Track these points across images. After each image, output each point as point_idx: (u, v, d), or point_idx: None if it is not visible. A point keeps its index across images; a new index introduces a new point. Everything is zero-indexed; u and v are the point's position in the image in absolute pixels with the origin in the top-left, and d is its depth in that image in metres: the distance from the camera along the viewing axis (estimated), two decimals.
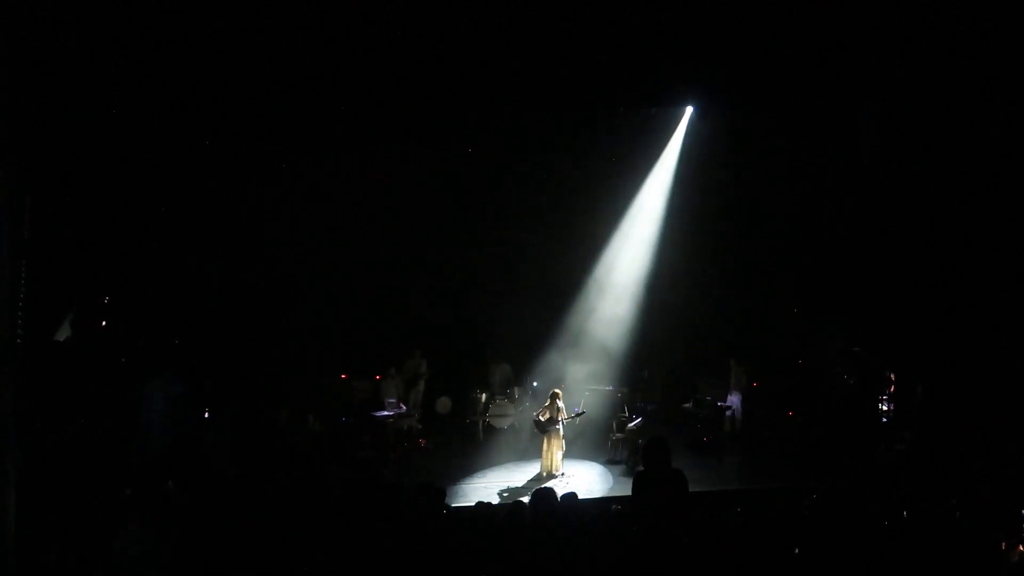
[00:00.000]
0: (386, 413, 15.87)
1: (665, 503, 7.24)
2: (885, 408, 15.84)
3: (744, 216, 18.10)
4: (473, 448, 16.22)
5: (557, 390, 14.49)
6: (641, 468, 7.86)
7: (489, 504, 8.12)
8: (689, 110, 17.52)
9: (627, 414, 15.69)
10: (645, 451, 7.80)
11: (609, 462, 14.95)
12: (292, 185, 16.80)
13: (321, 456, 13.20)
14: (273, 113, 14.71)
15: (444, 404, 18.64)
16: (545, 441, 14.01)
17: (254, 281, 16.91)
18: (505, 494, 12.88)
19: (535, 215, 19.19)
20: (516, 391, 18.00)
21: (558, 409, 14.09)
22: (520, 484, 13.54)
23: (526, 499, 8.12)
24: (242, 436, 10.65)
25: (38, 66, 9.67)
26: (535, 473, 14.08)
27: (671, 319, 19.15)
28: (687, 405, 16.99)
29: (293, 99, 14.22)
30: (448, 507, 8.46)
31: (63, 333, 11.45)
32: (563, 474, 13.88)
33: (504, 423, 17.35)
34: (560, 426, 14.01)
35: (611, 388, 17.76)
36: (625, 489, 12.67)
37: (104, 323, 12.25)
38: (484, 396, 17.61)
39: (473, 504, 8.32)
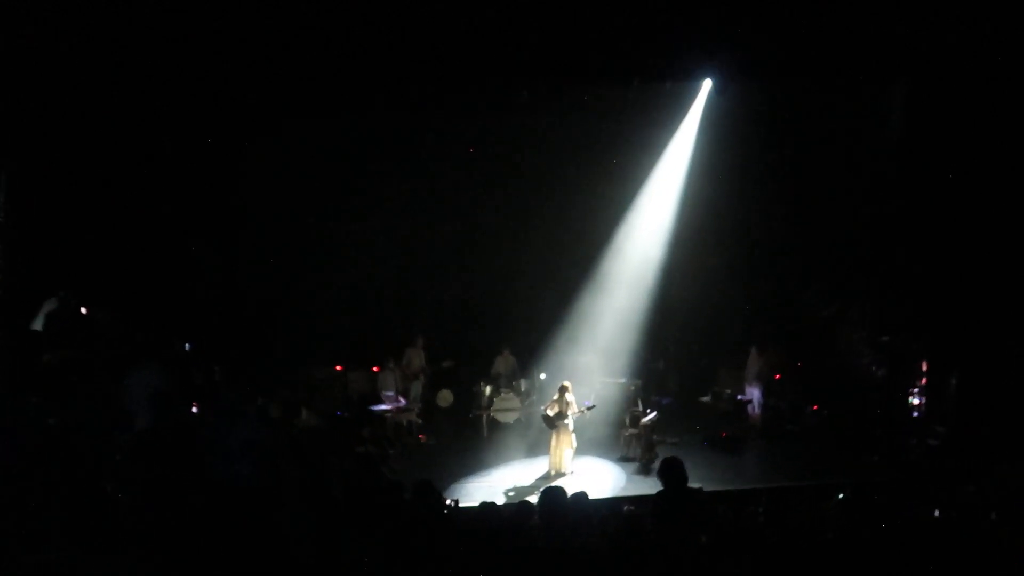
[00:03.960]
0: (384, 407, 15.89)
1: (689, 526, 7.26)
2: (917, 401, 15.79)
3: (766, 197, 18.02)
4: (477, 444, 16.26)
5: (566, 383, 14.45)
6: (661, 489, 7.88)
7: (494, 504, 8.10)
8: (707, 83, 17.26)
9: (641, 408, 15.66)
10: (663, 472, 7.84)
11: (621, 459, 14.95)
12: (282, 163, 16.72)
13: (316, 452, 13.20)
14: (263, 85, 14.67)
15: (446, 397, 18.65)
16: (553, 437, 13.99)
17: (243, 267, 16.93)
18: (511, 493, 12.89)
19: (543, 197, 19.14)
20: (522, 383, 18.00)
21: (567, 403, 14.06)
22: (527, 483, 13.55)
23: (533, 499, 8.12)
24: (233, 430, 10.62)
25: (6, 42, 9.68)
26: (543, 471, 14.07)
27: (688, 307, 19.15)
28: (705, 398, 17.05)
29: (283, 67, 14.16)
30: (450, 507, 8.47)
31: (40, 322, 11.45)
32: (572, 472, 13.87)
33: (510, 418, 17.36)
34: (569, 421, 13.99)
35: (624, 380, 17.75)
36: (639, 488, 12.75)
37: (84, 311, 12.23)
38: (488, 389, 17.62)
39: (477, 504, 8.31)
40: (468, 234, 19.48)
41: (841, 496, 8.35)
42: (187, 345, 13.79)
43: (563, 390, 14.20)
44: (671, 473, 7.74)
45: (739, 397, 16.75)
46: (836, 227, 17.45)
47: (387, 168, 17.71)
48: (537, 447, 15.22)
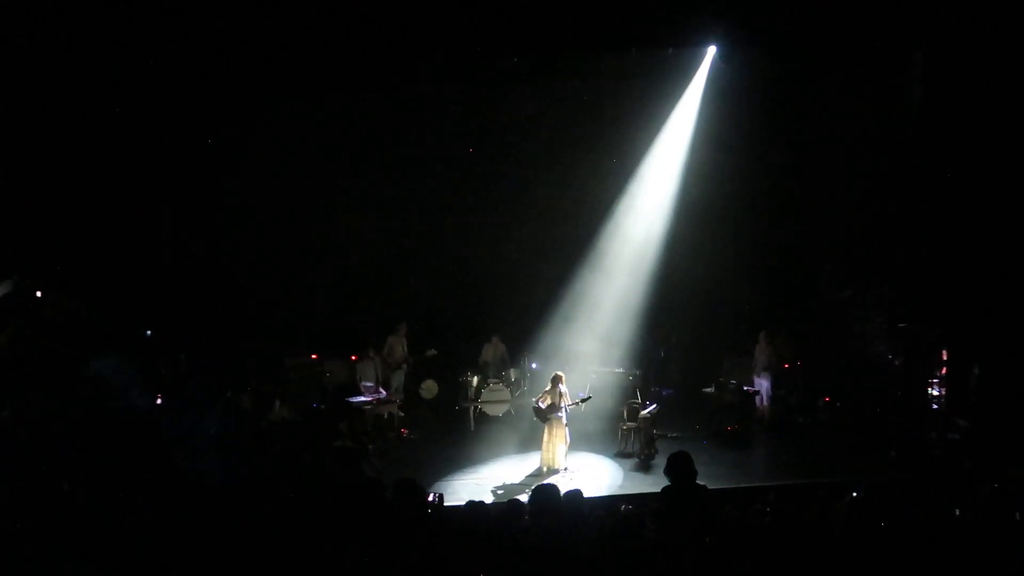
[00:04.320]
0: (364, 399, 15.90)
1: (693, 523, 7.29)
2: (936, 392, 15.84)
3: (775, 173, 18.04)
4: (463, 439, 16.29)
5: (560, 372, 14.44)
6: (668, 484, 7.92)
7: (481, 503, 8.12)
8: (711, 51, 17.20)
9: (640, 400, 15.68)
10: (671, 468, 7.87)
11: (619, 455, 14.98)
12: (255, 142, 16.70)
13: (289, 448, 13.21)
14: (234, 62, 14.64)
15: (430, 388, 18.66)
16: (546, 431, 14.01)
17: (212, 248, 16.88)
18: (500, 492, 12.91)
19: (534, 173, 19.13)
20: (512, 373, 18.04)
21: (560, 394, 14.07)
22: (517, 480, 13.57)
23: (524, 497, 8.14)
24: (200, 424, 10.63)
25: None
26: (534, 468, 14.10)
27: (691, 290, 19.17)
28: (709, 389, 17.01)
29: (258, 44, 14.15)
30: (434, 506, 8.48)
31: None
32: (566, 469, 13.89)
33: (498, 410, 17.40)
34: (563, 414, 14.00)
35: (621, 370, 17.81)
36: (637, 486, 12.79)
37: (40, 296, 12.19)
38: (476, 379, 17.64)
39: (463, 503, 8.33)
40: (455, 214, 19.45)
41: (854, 495, 8.39)
42: (149, 332, 13.76)
43: (556, 380, 14.19)
44: (680, 470, 7.76)
45: (746, 388, 16.76)
46: (851, 205, 17.44)
47: (367, 145, 17.70)
48: (528, 442, 15.28)
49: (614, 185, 19.03)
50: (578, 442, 14.83)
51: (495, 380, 17.65)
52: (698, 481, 7.98)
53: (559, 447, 13.89)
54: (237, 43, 13.92)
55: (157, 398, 10.98)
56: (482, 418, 17.31)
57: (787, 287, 18.69)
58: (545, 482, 8.81)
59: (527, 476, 13.78)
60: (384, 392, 16.53)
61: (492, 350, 18.60)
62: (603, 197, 19.02)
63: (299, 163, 17.28)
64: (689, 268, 18.93)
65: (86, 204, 13.57)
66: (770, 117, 17.43)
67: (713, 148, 18.08)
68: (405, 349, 17.88)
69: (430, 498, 8.57)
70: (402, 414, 16.83)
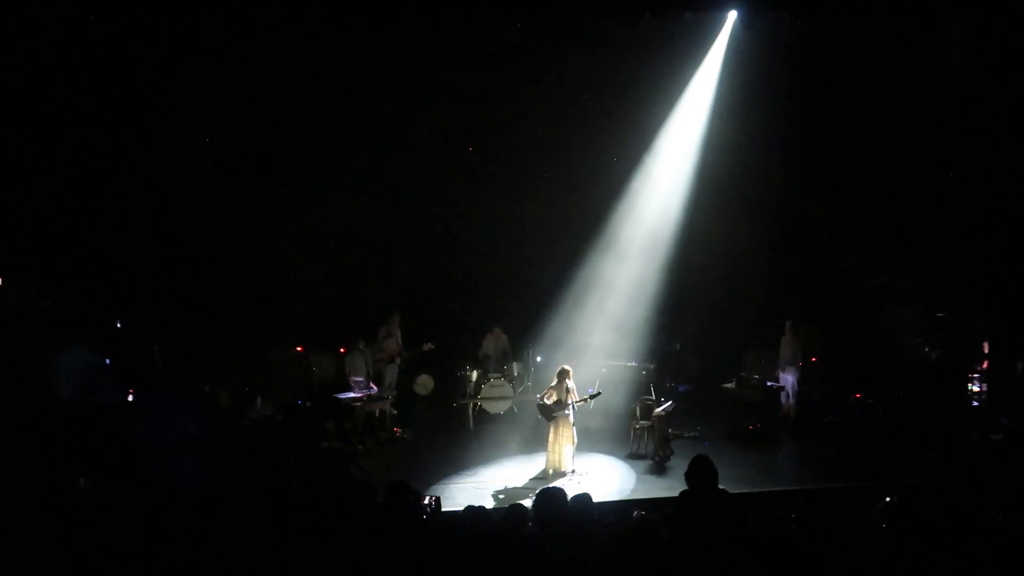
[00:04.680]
0: (353, 395, 15.87)
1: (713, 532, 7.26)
2: (978, 388, 15.83)
3: (801, 149, 17.97)
4: (461, 439, 16.26)
5: (566, 366, 14.40)
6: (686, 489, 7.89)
7: (481, 509, 8.08)
8: (732, 15, 17.14)
9: (654, 396, 15.67)
10: (693, 474, 7.84)
11: (631, 456, 14.95)
12: (234, 110, 16.62)
13: (271, 448, 13.20)
14: (213, 16, 14.60)
15: (425, 384, 18.67)
16: (551, 430, 13.98)
17: (188, 231, 16.86)
18: (501, 496, 12.88)
19: (540, 150, 19.09)
20: (515, 367, 18.02)
21: (567, 390, 14.03)
22: (520, 484, 13.53)
23: (528, 502, 8.10)
24: (175, 422, 10.63)
25: None
26: (539, 470, 14.07)
27: (709, 277, 19.14)
28: (729, 385, 17.00)
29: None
30: (430, 512, 8.46)
31: None
32: (574, 471, 13.87)
33: (500, 407, 17.39)
34: (570, 411, 13.97)
35: (634, 364, 17.78)
36: (650, 490, 12.77)
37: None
38: (475, 374, 17.64)
39: (461, 509, 8.29)
40: (454, 194, 19.40)
41: (888, 500, 8.36)
42: (118, 323, 13.75)
43: (563, 375, 14.14)
44: (703, 478, 7.72)
45: (769, 384, 16.73)
46: (883, 184, 17.37)
47: (355, 118, 17.59)
48: (532, 442, 15.24)
49: (627, 164, 18.97)
50: (586, 442, 14.80)
51: (496, 375, 17.63)
52: (719, 486, 7.94)
53: (566, 448, 13.86)
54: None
55: (128, 394, 10.97)
56: (482, 416, 17.29)
57: (815, 273, 18.65)
58: (551, 486, 8.78)
59: (531, 479, 13.75)
60: (375, 388, 16.49)
61: (493, 342, 18.56)
62: (615, 176, 18.99)
63: (281, 140, 17.23)
64: (708, 252, 18.91)
65: (47, 185, 13.54)
66: (795, 88, 17.34)
67: (734, 122, 18.02)
68: (399, 341, 17.80)
69: (425, 503, 8.54)
70: (395, 412, 16.77)
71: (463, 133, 18.96)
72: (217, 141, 16.71)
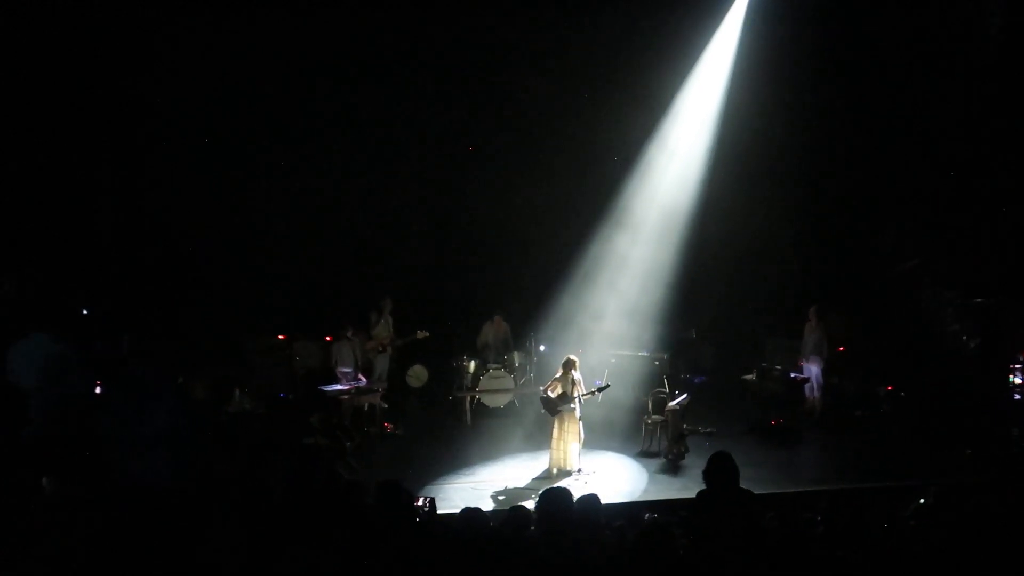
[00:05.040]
0: (340, 387, 15.85)
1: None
2: (1020, 380, 15.81)
3: (829, 117, 17.91)
4: (458, 435, 16.29)
5: (572, 356, 14.40)
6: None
7: (479, 511, 8.07)
8: None
9: (667, 389, 15.66)
10: (712, 472, 7.83)
11: (642, 454, 14.97)
12: (214, 75, 16.58)
13: (251, 445, 13.20)
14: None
15: (419, 375, 18.68)
16: (556, 426, 13.99)
17: (160, 208, 16.82)
18: (501, 497, 12.88)
19: (546, 120, 19.04)
20: (516, 357, 18.00)
21: (573, 382, 14.03)
22: (522, 483, 13.53)
23: (530, 504, 8.09)
24: (145, 416, 10.63)
25: None
26: (542, 469, 14.08)
27: (728, 259, 19.11)
28: (749, 376, 16.98)
29: None
30: (424, 514, 8.45)
31: None
32: (580, 471, 13.88)
33: (500, 401, 17.40)
34: (576, 405, 13.98)
35: (646, 354, 17.78)
36: (664, 490, 12.77)
37: None
38: (473, 364, 17.63)
39: (458, 511, 8.29)
40: (451, 170, 19.35)
41: (922, 501, 8.34)
42: (84, 310, 13.73)
43: (568, 365, 14.15)
44: (723, 476, 7.71)
45: (793, 375, 16.72)
46: (918, 155, 17.32)
47: (342, 82, 17.54)
48: (535, 439, 15.27)
49: (639, 135, 18.90)
50: (594, 439, 14.84)
51: (496, 365, 17.63)
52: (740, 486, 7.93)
53: (571, 445, 13.87)
54: None
55: (95, 385, 10.95)
56: (480, 410, 17.33)
57: (842, 255, 18.61)
58: (555, 486, 8.78)
59: (534, 479, 13.75)
60: (364, 379, 16.47)
61: (493, 330, 18.54)
62: (626, 149, 18.92)
63: (262, 107, 17.17)
64: (726, 232, 18.87)
65: (5, 162, 13.52)
66: (823, 48, 17.27)
67: (756, 87, 17.94)
68: (390, 328, 17.81)
69: (419, 505, 8.53)
70: (385, 406, 16.77)
71: (462, 102, 18.88)
72: (192, 114, 16.66)
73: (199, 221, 17.14)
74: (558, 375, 14.15)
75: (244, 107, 17.05)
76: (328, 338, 17.21)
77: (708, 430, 15.78)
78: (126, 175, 16.27)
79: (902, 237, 17.90)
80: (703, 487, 7.86)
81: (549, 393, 14.10)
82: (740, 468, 7.76)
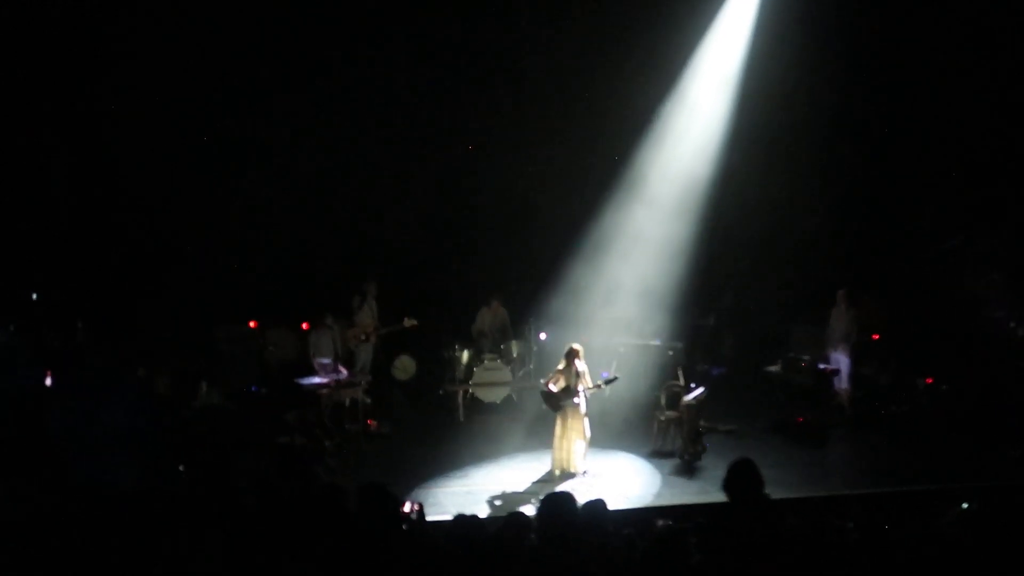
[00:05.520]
0: (319, 380, 15.85)
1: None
2: None
3: (859, 86, 17.89)
4: (450, 433, 16.29)
5: (577, 345, 14.40)
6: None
7: (474, 517, 8.09)
8: None
9: (683, 382, 15.67)
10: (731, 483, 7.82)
11: (654, 454, 14.99)
12: (174, 50, 16.57)
13: (219, 443, 13.22)
14: None
15: (406, 367, 18.68)
16: (558, 423, 13.99)
17: (119, 186, 16.82)
18: (498, 502, 12.93)
19: (546, 93, 19.05)
20: (514, 347, 18.01)
21: (578, 374, 14.03)
22: (520, 487, 13.58)
23: (530, 510, 8.10)
24: (102, 412, 10.65)
25: None
26: (543, 471, 14.11)
27: (748, 239, 19.11)
28: (773, 368, 16.99)
29: None
30: (411, 520, 8.46)
31: None
32: (585, 472, 13.90)
33: (496, 395, 17.42)
34: (581, 400, 13.99)
35: (658, 343, 17.77)
36: (678, 495, 12.80)
37: None
38: (467, 355, 17.64)
39: (450, 517, 8.31)
40: (444, 140, 19.33)
41: (965, 506, 8.35)
42: (34, 295, 13.75)
43: (572, 356, 14.14)
44: (745, 486, 7.70)
45: (822, 367, 16.72)
46: (959, 124, 17.30)
47: (327, 47, 17.53)
48: (535, 437, 15.29)
49: (651, 106, 18.87)
50: (601, 437, 14.83)
51: (492, 355, 17.64)
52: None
53: (575, 444, 13.88)
54: None
55: (45, 377, 10.97)
56: (475, 406, 17.34)
57: (874, 235, 18.60)
58: (558, 489, 8.79)
59: (534, 482, 13.79)
60: (345, 372, 16.45)
61: (490, 316, 18.51)
62: (637, 121, 18.90)
63: (227, 82, 17.15)
64: (746, 211, 18.82)
65: None
66: (851, 9, 17.21)
67: (777, 51, 17.87)
68: (375, 314, 17.78)
69: (406, 510, 8.54)
70: (369, 400, 16.75)
71: (461, 73, 18.85)
72: (155, 91, 16.64)
73: (162, 199, 17.12)
74: (561, 367, 14.14)
75: (209, 83, 17.04)
76: (305, 325, 17.23)
77: (728, 428, 15.79)
78: (83, 153, 16.26)
79: (943, 213, 17.89)
80: (721, 496, 7.85)
81: (551, 387, 14.10)
82: (764, 470, 7.74)
